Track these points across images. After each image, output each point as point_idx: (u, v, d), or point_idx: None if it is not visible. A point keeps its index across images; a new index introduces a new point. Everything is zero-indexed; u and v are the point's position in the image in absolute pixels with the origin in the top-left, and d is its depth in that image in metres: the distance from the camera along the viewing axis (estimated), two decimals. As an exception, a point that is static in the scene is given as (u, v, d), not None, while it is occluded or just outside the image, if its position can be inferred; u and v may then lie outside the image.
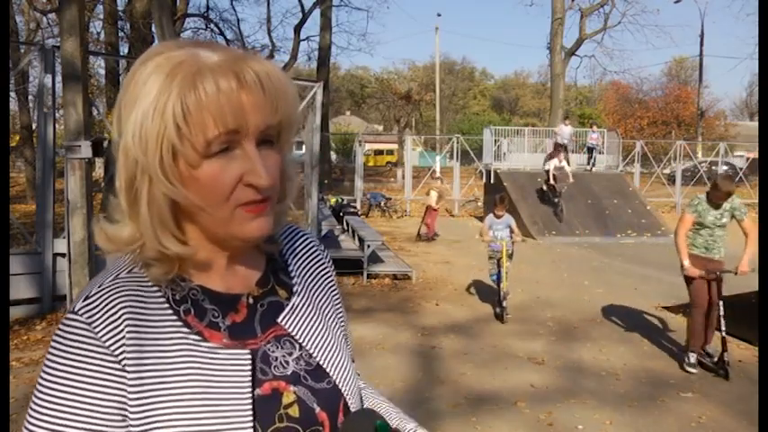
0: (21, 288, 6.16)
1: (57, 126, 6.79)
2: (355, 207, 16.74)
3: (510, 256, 6.82)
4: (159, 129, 0.65)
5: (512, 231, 6.82)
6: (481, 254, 11.53)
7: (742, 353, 5.51)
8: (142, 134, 0.66)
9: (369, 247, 8.66)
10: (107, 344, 0.68)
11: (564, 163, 15.32)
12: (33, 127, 18.62)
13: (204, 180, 0.67)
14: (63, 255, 6.33)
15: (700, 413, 4.19)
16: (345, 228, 12.05)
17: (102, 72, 20.02)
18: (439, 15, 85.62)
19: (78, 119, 6.24)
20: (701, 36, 33.25)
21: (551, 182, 15.03)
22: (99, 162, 11.25)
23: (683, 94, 40.10)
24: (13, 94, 18.96)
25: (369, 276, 8.56)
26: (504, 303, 6.53)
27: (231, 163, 0.68)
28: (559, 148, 17.00)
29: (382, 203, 18.36)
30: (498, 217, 6.85)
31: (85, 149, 6.23)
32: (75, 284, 6.35)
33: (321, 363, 0.79)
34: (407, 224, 16.39)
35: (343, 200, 17.30)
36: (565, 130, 17.84)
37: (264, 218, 0.71)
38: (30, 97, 20.21)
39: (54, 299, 6.37)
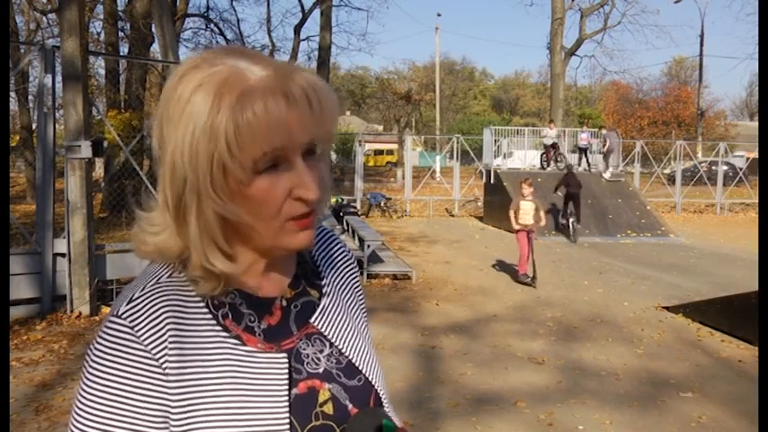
0: (21, 288, 6.16)
1: (57, 126, 6.77)
2: (355, 207, 16.69)
3: None
4: (210, 149, 0.65)
5: None
6: (481, 253, 11.53)
7: (742, 353, 5.51)
8: (192, 153, 0.66)
9: (369, 247, 8.65)
10: (149, 348, 0.68)
11: (553, 164, 17.29)
12: (33, 127, 18.63)
13: (255, 196, 0.68)
14: (63, 255, 6.34)
15: (700, 413, 4.19)
16: (345, 228, 12.04)
17: (102, 72, 20.07)
18: (439, 15, 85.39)
19: (78, 119, 6.25)
20: (701, 36, 33.28)
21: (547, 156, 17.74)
22: (99, 162, 11.25)
23: (683, 94, 40.16)
24: (13, 94, 18.98)
25: (369, 276, 8.56)
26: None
27: (280, 178, 0.68)
28: (549, 150, 17.78)
29: (382, 203, 18.33)
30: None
31: (85, 149, 6.24)
32: (75, 284, 6.36)
33: (353, 360, 0.81)
34: (407, 224, 16.39)
35: (343, 200, 17.26)
36: (550, 132, 17.83)
37: (311, 230, 0.73)
38: (30, 97, 20.23)
39: (54, 299, 6.37)
